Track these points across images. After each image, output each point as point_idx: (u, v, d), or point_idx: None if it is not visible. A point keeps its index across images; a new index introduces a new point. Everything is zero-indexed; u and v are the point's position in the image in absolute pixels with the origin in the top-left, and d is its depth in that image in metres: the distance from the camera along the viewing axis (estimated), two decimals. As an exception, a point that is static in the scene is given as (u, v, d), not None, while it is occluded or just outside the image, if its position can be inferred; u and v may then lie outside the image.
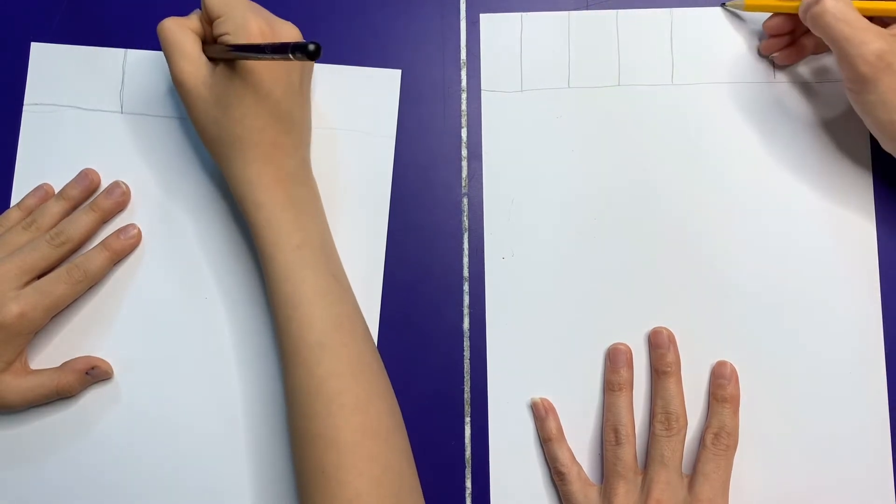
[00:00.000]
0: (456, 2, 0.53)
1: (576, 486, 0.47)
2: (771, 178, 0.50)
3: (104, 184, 0.51)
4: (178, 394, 0.49)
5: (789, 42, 0.50)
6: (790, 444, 0.48)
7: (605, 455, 0.48)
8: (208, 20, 0.45)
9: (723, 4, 0.52)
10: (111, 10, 0.53)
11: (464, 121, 0.52)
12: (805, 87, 0.51)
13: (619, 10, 0.52)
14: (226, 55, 0.44)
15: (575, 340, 0.50)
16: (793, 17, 0.49)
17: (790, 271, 0.50)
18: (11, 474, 0.49)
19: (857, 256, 0.50)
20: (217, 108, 0.45)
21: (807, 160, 0.51)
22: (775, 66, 0.51)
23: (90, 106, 0.52)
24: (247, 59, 0.43)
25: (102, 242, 0.49)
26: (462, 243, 0.51)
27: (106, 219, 0.50)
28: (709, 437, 0.47)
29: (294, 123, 0.47)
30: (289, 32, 0.46)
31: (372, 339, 0.46)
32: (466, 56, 0.52)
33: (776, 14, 0.49)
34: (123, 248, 0.50)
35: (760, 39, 0.51)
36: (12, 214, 0.50)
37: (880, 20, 0.46)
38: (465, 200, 0.51)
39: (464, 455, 0.49)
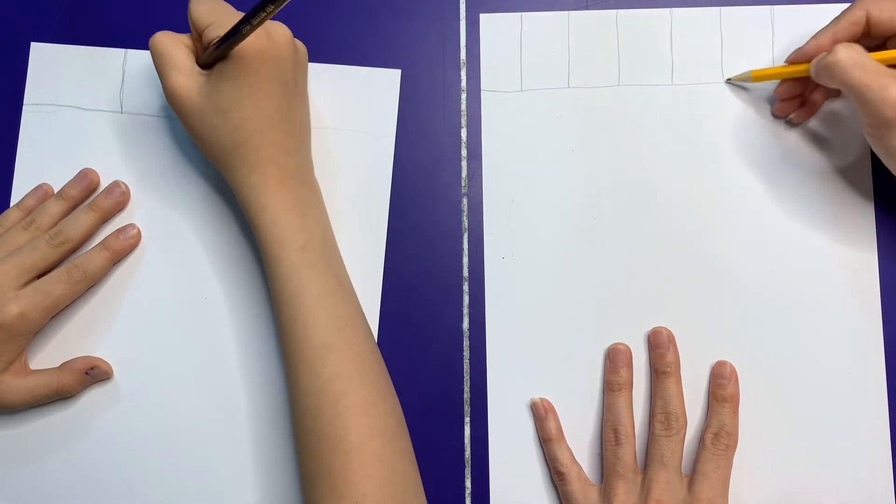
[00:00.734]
0: (456, 2, 0.53)
1: (576, 487, 0.47)
2: (770, 177, 0.50)
3: (104, 183, 0.51)
4: (177, 394, 0.49)
5: (801, 102, 0.50)
6: (790, 443, 0.48)
7: (605, 455, 0.48)
8: (198, 35, 0.45)
9: (728, 80, 0.51)
10: (111, 10, 0.53)
11: (464, 121, 0.52)
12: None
13: (619, 10, 0.52)
14: (216, 52, 0.44)
15: (575, 340, 0.50)
16: (801, 80, 0.49)
17: (790, 271, 0.50)
18: (11, 474, 0.49)
19: (857, 256, 0.50)
20: (215, 116, 0.45)
21: (806, 159, 0.51)
22: (790, 125, 0.51)
23: (90, 106, 0.52)
24: (235, 42, 0.42)
25: (102, 242, 0.49)
26: (462, 243, 0.51)
27: (105, 219, 0.50)
28: (708, 437, 0.47)
29: (294, 123, 0.47)
30: (281, 31, 0.45)
31: (374, 341, 0.46)
32: (466, 56, 0.52)
33: (785, 80, 0.49)
34: (123, 248, 0.50)
35: (771, 103, 0.51)
36: (12, 214, 0.50)
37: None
38: (464, 200, 0.51)
39: (464, 455, 0.49)
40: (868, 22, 0.45)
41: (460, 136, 0.52)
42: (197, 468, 0.49)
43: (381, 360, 0.46)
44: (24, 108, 0.52)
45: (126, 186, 0.51)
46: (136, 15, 0.53)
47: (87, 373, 0.48)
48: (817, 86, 0.48)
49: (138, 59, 0.52)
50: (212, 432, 0.49)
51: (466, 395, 0.50)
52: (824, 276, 0.50)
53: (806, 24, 0.51)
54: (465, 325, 0.50)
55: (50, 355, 0.49)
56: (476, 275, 0.51)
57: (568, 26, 0.52)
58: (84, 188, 0.50)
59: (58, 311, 0.48)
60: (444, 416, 0.50)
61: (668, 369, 0.48)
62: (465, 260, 0.51)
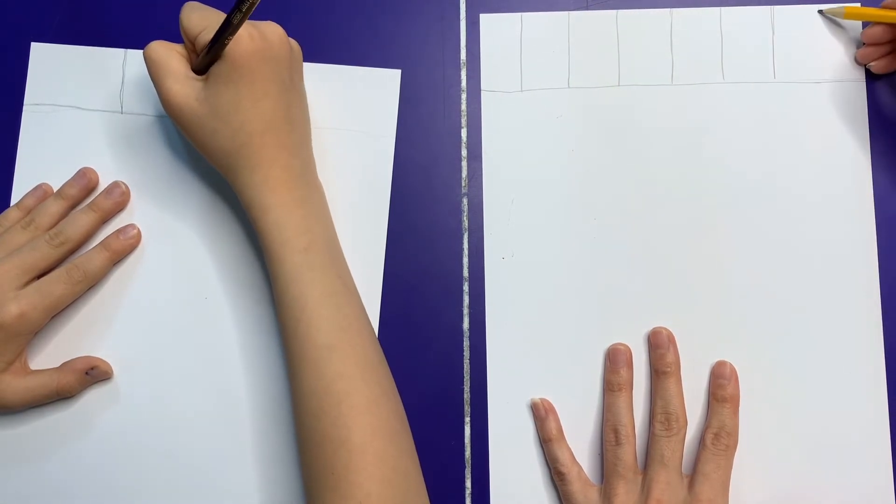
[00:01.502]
0: (456, 2, 0.53)
1: (576, 487, 0.47)
2: (770, 177, 0.50)
3: (103, 183, 0.51)
4: (177, 394, 0.49)
5: (888, 51, 0.50)
6: (790, 444, 0.48)
7: (605, 455, 0.48)
8: (191, 43, 0.45)
9: (821, 11, 0.51)
10: (111, 10, 0.53)
11: (464, 121, 0.52)
12: (805, 87, 0.51)
13: (619, 10, 0.52)
14: (210, 54, 0.44)
15: (575, 340, 0.50)
16: (893, 27, 0.48)
17: (790, 271, 0.50)
18: (11, 474, 0.49)
19: (857, 256, 0.50)
20: (214, 121, 0.45)
21: (806, 160, 0.51)
22: (869, 74, 0.51)
23: (90, 106, 0.52)
24: (228, 36, 0.42)
25: (102, 243, 0.49)
26: (462, 243, 0.51)
27: (105, 219, 0.50)
28: (709, 437, 0.47)
29: (294, 122, 0.47)
30: (275, 30, 0.45)
31: (377, 341, 0.46)
32: (466, 56, 0.52)
33: (876, 23, 0.49)
34: (123, 248, 0.50)
35: (857, 47, 0.51)
36: (11, 214, 0.50)
37: None
38: (464, 200, 0.51)
39: (464, 455, 0.49)
40: None
41: (460, 136, 0.52)
42: (197, 468, 0.49)
43: (384, 359, 0.46)
44: (24, 108, 0.52)
45: (126, 187, 0.51)
46: (136, 15, 0.53)
47: (87, 373, 0.48)
48: None
49: (138, 59, 0.52)
50: (212, 432, 0.49)
51: (466, 395, 0.50)
52: (824, 277, 0.50)
53: (806, 24, 0.52)
54: (465, 325, 0.50)
55: (50, 355, 0.49)
56: (476, 275, 0.51)
57: (568, 26, 0.52)
58: (83, 187, 0.50)
59: (58, 312, 0.48)
60: (444, 416, 0.50)
61: (669, 369, 0.48)
62: (465, 260, 0.51)
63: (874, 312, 0.49)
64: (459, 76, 0.52)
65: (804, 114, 0.51)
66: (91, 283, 0.49)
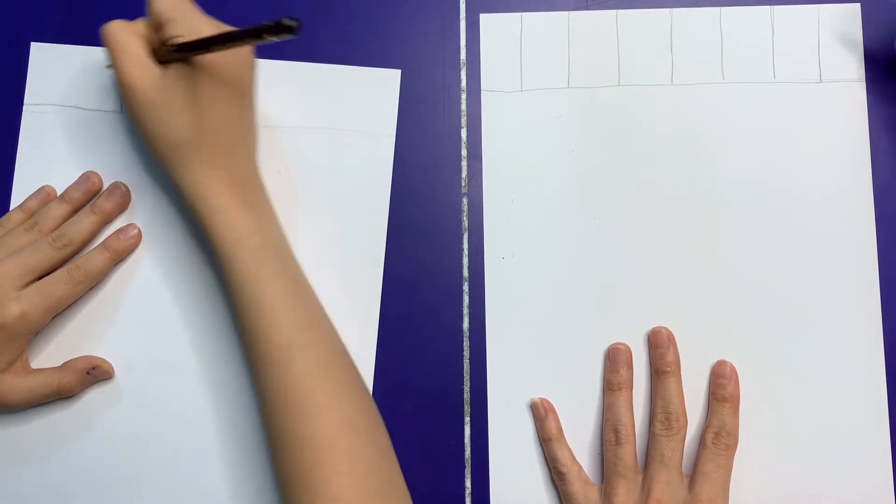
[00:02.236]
0: (456, 2, 0.53)
1: (576, 486, 0.47)
2: (770, 177, 0.50)
3: (105, 185, 0.51)
4: (178, 394, 0.49)
5: None
6: (790, 443, 0.48)
7: (605, 455, 0.48)
8: (156, 25, 0.45)
9: None
10: (111, 10, 0.53)
11: (464, 121, 0.52)
12: (804, 87, 0.51)
13: (619, 11, 0.52)
14: (183, 53, 0.43)
15: (574, 340, 0.50)
16: None
17: (790, 271, 0.50)
18: (11, 474, 0.49)
19: (857, 256, 0.50)
20: (167, 112, 0.45)
21: (806, 160, 0.51)
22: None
23: (90, 106, 0.52)
24: (209, 52, 0.43)
25: (103, 243, 0.49)
26: (462, 243, 0.51)
27: (107, 221, 0.50)
28: (709, 437, 0.47)
29: (247, 126, 0.47)
30: None
31: (340, 338, 0.46)
32: (466, 56, 0.52)
33: None
34: (124, 249, 0.50)
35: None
36: (14, 216, 0.50)
37: None
38: (464, 200, 0.51)
39: (464, 455, 0.49)
40: None
41: (460, 136, 0.52)
42: (198, 468, 0.49)
43: (348, 355, 0.46)
44: (24, 108, 0.52)
45: (127, 188, 0.51)
46: (136, 15, 0.53)
47: (88, 372, 0.48)
48: None
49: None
50: (212, 432, 0.49)
51: (466, 395, 0.50)
52: (824, 277, 0.50)
53: (806, 23, 0.52)
54: (466, 325, 0.50)
55: (51, 355, 0.49)
56: (476, 275, 0.51)
57: (568, 26, 0.52)
58: (87, 191, 0.50)
59: (59, 312, 0.48)
60: (444, 416, 0.50)
61: (669, 369, 0.48)
62: (465, 260, 0.51)
63: (874, 312, 0.49)
64: (459, 76, 0.52)
65: (804, 114, 0.51)
66: (92, 284, 0.49)
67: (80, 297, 0.49)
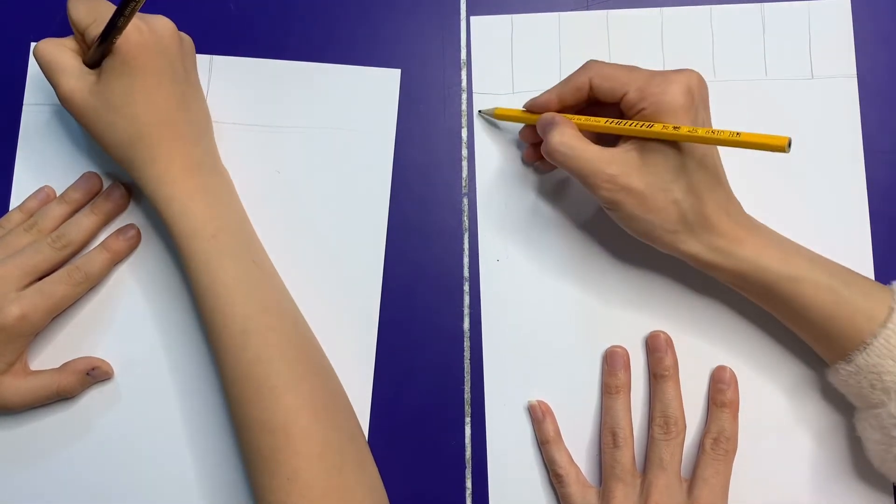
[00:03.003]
0: (456, 2, 0.53)
1: (574, 489, 0.47)
2: (764, 175, 0.50)
3: (104, 186, 0.51)
4: (178, 394, 0.49)
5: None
6: (790, 448, 0.48)
7: (603, 458, 0.48)
8: (81, 36, 0.46)
9: (479, 112, 0.52)
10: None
11: (464, 121, 0.52)
12: (796, 83, 0.51)
13: (610, 11, 0.52)
14: (99, 49, 0.44)
15: (572, 343, 0.50)
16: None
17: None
18: (11, 474, 0.49)
19: (852, 254, 0.49)
20: (109, 113, 0.45)
21: (799, 156, 0.50)
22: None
23: None
24: (115, 35, 0.43)
25: (102, 243, 0.49)
26: (462, 243, 0.51)
27: (107, 221, 0.50)
28: (708, 442, 0.46)
29: (191, 112, 0.47)
30: (164, 24, 0.46)
31: (304, 321, 0.47)
32: (466, 56, 0.52)
33: (528, 125, 0.49)
34: (123, 249, 0.50)
35: (520, 148, 0.51)
36: (14, 216, 0.50)
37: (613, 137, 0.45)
38: (464, 200, 0.51)
39: (464, 455, 0.49)
40: (591, 89, 0.45)
41: (460, 136, 0.52)
42: (198, 468, 0.49)
43: (311, 337, 0.46)
44: (23, 108, 0.52)
45: (126, 188, 0.51)
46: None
47: (88, 373, 0.48)
48: None
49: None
50: (212, 432, 0.49)
51: (467, 395, 0.50)
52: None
53: (796, 20, 0.51)
54: (466, 325, 0.50)
55: (50, 356, 0.50)
56: (476, 275, 0.51)
57: (559, 27, 0.52)
58: (86, 192, 0.50)
59: (59, 313, 0.48)
60: (444, 416, 0.50)
61: (667, 373, 0.48)
62: (466, 260, 0.51)
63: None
64: (459, 76, 0.52)
65: (796, 110, 0.51)
66: (92, 284, 0.49)
67: (80, 297, 0.49)
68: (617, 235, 0.49)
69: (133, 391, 0.50)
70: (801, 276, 0.43)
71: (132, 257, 0.51)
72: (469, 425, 0.50)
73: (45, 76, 0.46)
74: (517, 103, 0.51)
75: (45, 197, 0.51)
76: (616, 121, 0.43)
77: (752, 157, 0.49)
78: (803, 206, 0.50)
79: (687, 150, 0.42)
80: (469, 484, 0.49)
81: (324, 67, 0.52)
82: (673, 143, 0.42)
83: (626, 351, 0.49)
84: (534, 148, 0.50)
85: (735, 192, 0.45)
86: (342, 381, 0.47)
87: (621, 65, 0.45)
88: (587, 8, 0.52)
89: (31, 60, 0.52)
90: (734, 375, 0.48)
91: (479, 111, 0.52)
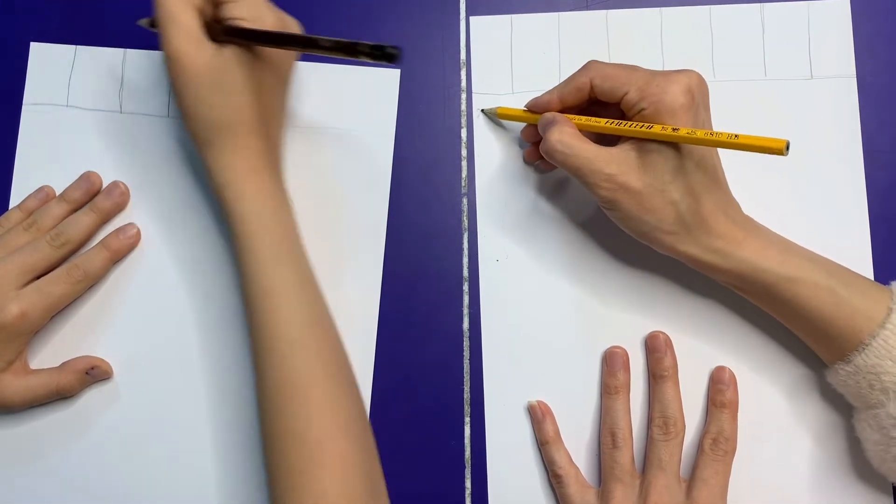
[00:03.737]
0: (456, 2, 0.53)
1: (573, 489, 0.47)
2: (765, 177, 0.50)
3: (104, 185, 0.51)
4: (177, 394, 0.49)
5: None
6: (789, 449, 0.48)
7: (603, 458, 0.48)
8: (215, 2, 0.44)
9: (482, 110, 0.52)
10: (111, 9, 0.53)
11: (464, 121, 0.52)
12: (796, 84, 0.51)
13: (609, 11, 0.52)
14: (251, 41, 0.43)
15: (572, 343, 0.50)
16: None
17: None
18: (11, 474, 0.49)
19: (851, 254, 0.49)
20: (216, 93, 0.44)
21: (798, 156, 0.50)
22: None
23: (89, 106, 0.52)
24: (282, 48, 0.42)
25: (102, 242, 0.49)
26: (462, 243, 0.51)
27: (105, 220, 0.50)
28: (707, 443, 0.46)
29: (282, 118, 0.47)
30: (297, 28, 0.46)
31: (341, 340, 0.46)
32: (466, 56, 0.52)
33: (529, 125, 0.49)
34: (123, 248, 0.50)
35: (522, 147, 0.51)
36: (13, 215, 0.50)
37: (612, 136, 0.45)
38: (464, 201, 0.51)
39: (464, 455, 0.49)
40: (592, 89, 0.45)
41: (460, 136, 0.52)
42: (197, 468, 0.49)
43: (348, 358, 0.46)
44: (23, 107, 0.52)
45: (125, 187, 0.51)
46: (136, 15, 0.53)
47: (87, 372, 0.48)
48: None
49: (138, 58, 0.52)
50: (212, 432, 0.49)
51: (466, 395, 0.50)
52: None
53: (795, 20, 0.51)
54: (465, 325, 0.50)
55: (50, 355, 0.50)
56: (476, 275, 0.51)
57: (558, 27, 0.52)
58: (86, 191, 0.50)
59: (58, 311, 0.48)
60: (444, 415, 0.50)
61: (666, 373, 0.48)
62: (465, 260, 0.51)
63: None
64: (459, 76, 0.52)
65: (796, 110, 0.51)
66: (91, 283, 0.49)
67: (79, 296, 0.49)
68: (616, 236, 0.49)
69: (133, 391, 0.50)
70: (799, 276, 0.43)
71: (132, 257, 0.51)
72: (468, 425, 0.50)
73: (158, 25, 0.43)
74: (517, 103, 0.51)
75: (44, 196, 0.51)
76: (616, 121, 0.43)
77: (750, 157, 0.49)
78: (802, 206, 0.50)
79: (686, 151, 0.42)
80: (469, 484, 0.49)
81: (324, 67, 0.52)
82: (672, 144, 0.42)
83: (626, 351, 0.49)
84: (535, 147, 0.50)
85: (734, 192, 0.45)
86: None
87: (622, 65, 0.45)
88: (587, 8, 0.52)
89: (31, 60, 0.52)
90: (733, 376, 0.48)
91: (482, 110, 0.52)
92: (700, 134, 0.40)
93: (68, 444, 0.49)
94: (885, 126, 0.50)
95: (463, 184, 0.52)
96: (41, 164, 0.52)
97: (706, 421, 0.48)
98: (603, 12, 0.52)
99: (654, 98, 0.42)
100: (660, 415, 0.47)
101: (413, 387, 0.49)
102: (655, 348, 0.48)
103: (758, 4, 0.52)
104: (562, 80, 0.46)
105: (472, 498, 0.49)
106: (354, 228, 0.51)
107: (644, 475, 0.46)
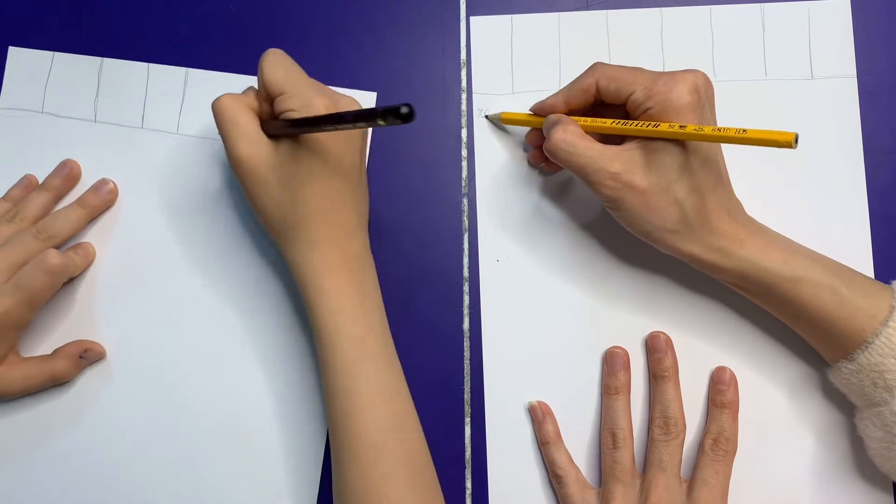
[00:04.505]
0: (456, 2, 0.53)
1: (573, 490, 0.47)
2: (767, 177, 0.50)
3: (85, 177, 0.51)
4: (176, 390, 0.49)
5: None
6: (790, 450, 0.48)
7: (603, 459, 0.48)
8: (267, 98, 0.44)
9: (486, 116, 0.51)
10: (96, 16, 0.53)
11: (463, 121, 0.52)
12: (796, 84, 0.51)
13: (609, 11, 0.52)
14: (293, 130, 0.42)
15: (572, 344, 0.50)
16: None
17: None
18: (5, 466, 0.49)
19: (852, 254, 0.49)
20: (283, 191, 0.43)
21: (801, 158, 0.50)
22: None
23: (64, 113, 0.52)
24: (320, 130, 0.41)
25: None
26: (462, 244, 0.51)
27: (93, 216, 0.50)
28: (708, 443, 0.46)
29: (358, 202, 0.45)
30: (351, 105, 0.44)
31: (424, 438, 0.45)
32: (466, 56, 0.52)
33: (534, 129, 0.49)
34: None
35: (526, 150, 0.51)
36: None
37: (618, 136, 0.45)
38: (464, 201, 0.51)
39: (464, 455, 0.49)
40: (597, 90, 0.45)
41: (460, 136, 0.52)
42: (197, 468, 0.49)
43: (431, 459, 0.45)
44: None
45: (115, 185, 0.51)
46: (116, 23, 0.53)
47: (80, 356, 0.48)
48: None
49: (115, 68, 0.52)
50: (211, 429, 0.49)
51: (467, 396, 0.50)
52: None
53: (796, 20, 0.51)
54: (466, 325, 0.50)
55: (47, 350, 0.49)
56: (476, 275, 0.50)
57: (559, 27, 0.52)
58: (66, 177, 0.50)
59: (46, 301, 0.47)
60: (444, 416, 0.49)
61: (667, 374, 0.48)
62: (466, 260, 0.51)
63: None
64: (459, 76, 0.52)
65: (796, 110, 0.51)
66: (60, 243, 0.48)
67: (60, 287, 0.48)
68: (617, 236, 0.49)
69: (128, 380, 0.50)
70: (801, 276, 0.43)
71: (125, 255, 0.51)
72: (469, 425, 0.49)
73: (220, 131, 0.44)
74: (517, 103, 0.51)
75: (28, 184, 0.51)
76: (622, 121, 0.43)
77: (753, 156, 0.49)
78: (803, 205, 0.50)
79: (692, 149, 0.42)
80: (469, 484, 0.49)
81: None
82: (678, 142, 0.42)
83: (626, 352, 0.49)
84: (539, 150, 0.50)
85: (736, 191, 0.45)
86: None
87: (627, 66, 0.45)
88: (587, 8, 0.52)
89: (8, 64, 0.52)
90: (734, 376, 0.48)
91: (486, 116, 0.51)
92: (708, 130, 0.40)
93: (63, 437, 0.49)
94: (886, 126, 0.50)
95: (463, 184, 0.51)
96: (13, 169, 0.51)
97: (707, 421, 0.48)
98: (603, 12, 0.52)
99: (661, 97, 0.42)
100: (660, 415, 0.47)
101: (413, 387, 0.49)
102: (656, 348, 0.48)
103: (758, 4, 0.52)
104: (562, 81, 0.46)
105: (472, 498, 0.49)
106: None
107: (644, 475, 0.46)
